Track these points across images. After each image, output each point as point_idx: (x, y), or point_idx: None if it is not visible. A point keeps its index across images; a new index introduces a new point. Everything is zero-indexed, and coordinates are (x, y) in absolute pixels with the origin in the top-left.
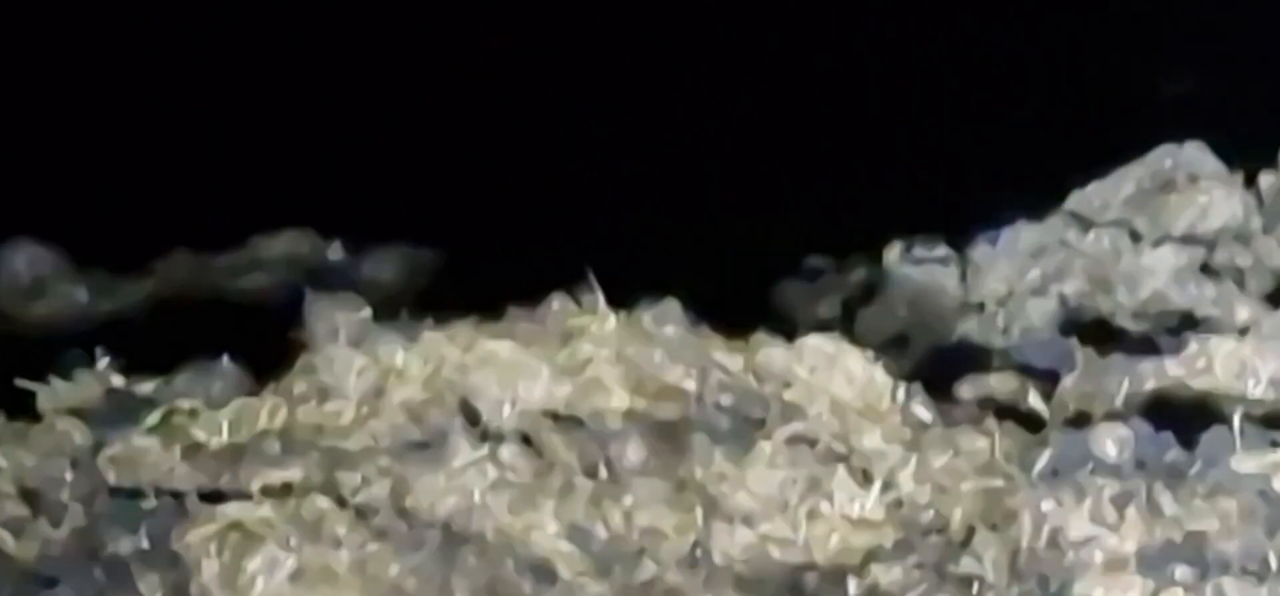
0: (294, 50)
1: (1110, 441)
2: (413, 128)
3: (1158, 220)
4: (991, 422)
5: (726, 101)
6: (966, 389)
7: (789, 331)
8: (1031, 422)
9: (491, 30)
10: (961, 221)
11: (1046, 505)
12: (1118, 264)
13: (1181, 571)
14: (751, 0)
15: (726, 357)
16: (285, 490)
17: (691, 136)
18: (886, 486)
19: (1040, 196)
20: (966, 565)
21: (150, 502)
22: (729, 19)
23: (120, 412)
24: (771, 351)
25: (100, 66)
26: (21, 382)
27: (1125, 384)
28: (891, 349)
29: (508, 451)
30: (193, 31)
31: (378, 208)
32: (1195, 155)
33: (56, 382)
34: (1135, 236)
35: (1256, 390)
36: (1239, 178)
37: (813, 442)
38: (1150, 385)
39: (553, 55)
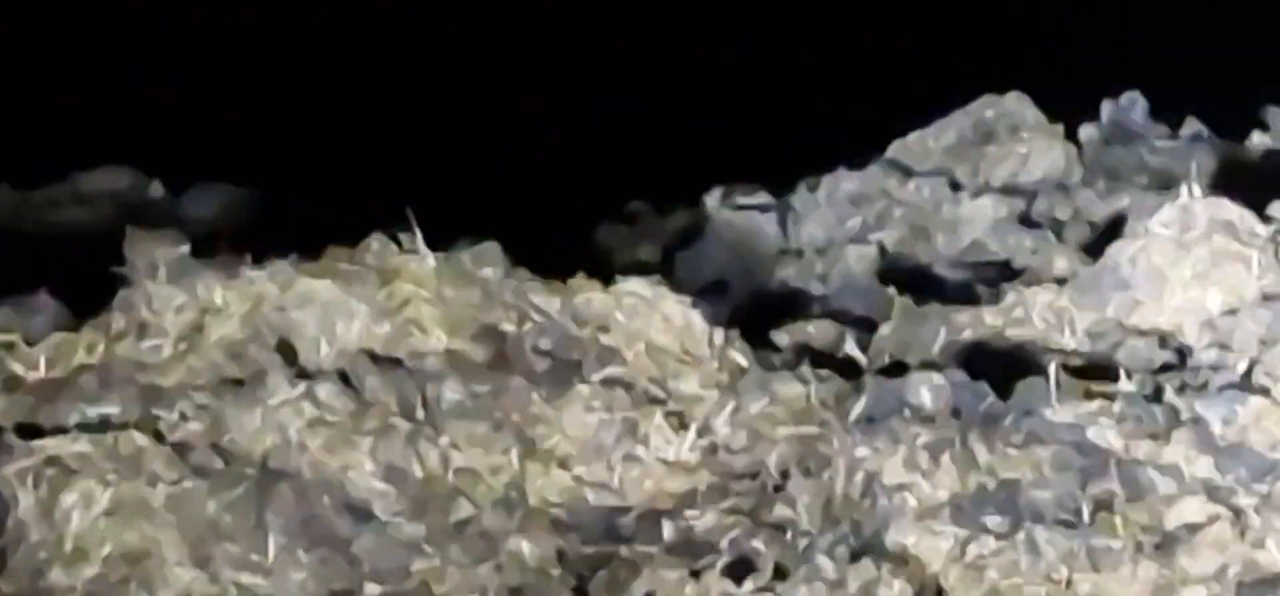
0: None
1: (926, 389)
2: (233, 65)
3: (978, 170)
4: (808, 369)
5: (547, 45)
6: (784, 335)
7: (608, 275)
8: (848, 370)
9: None
10: (782, 168)
11: (861, 452)
12: (937, 213)
13: (994, 520)
14: None
15: (545, 300)
16: (102, 425)
17: (512, 79)
18: (702, 431)
19: (861, 145)
20: (781, 511)
21: None
22: None
23: None
24: (590, 295)
25: None
26: None
27: (942, 333)
28: (710, 294)
29: (325, 390)
30: None
31: (198, 145)
32: (1016, 106)
33: None
34: (955, 186)
35: (1072, 341)
36: (1060, 129)
37: (629, 386)
38: (967, 334)
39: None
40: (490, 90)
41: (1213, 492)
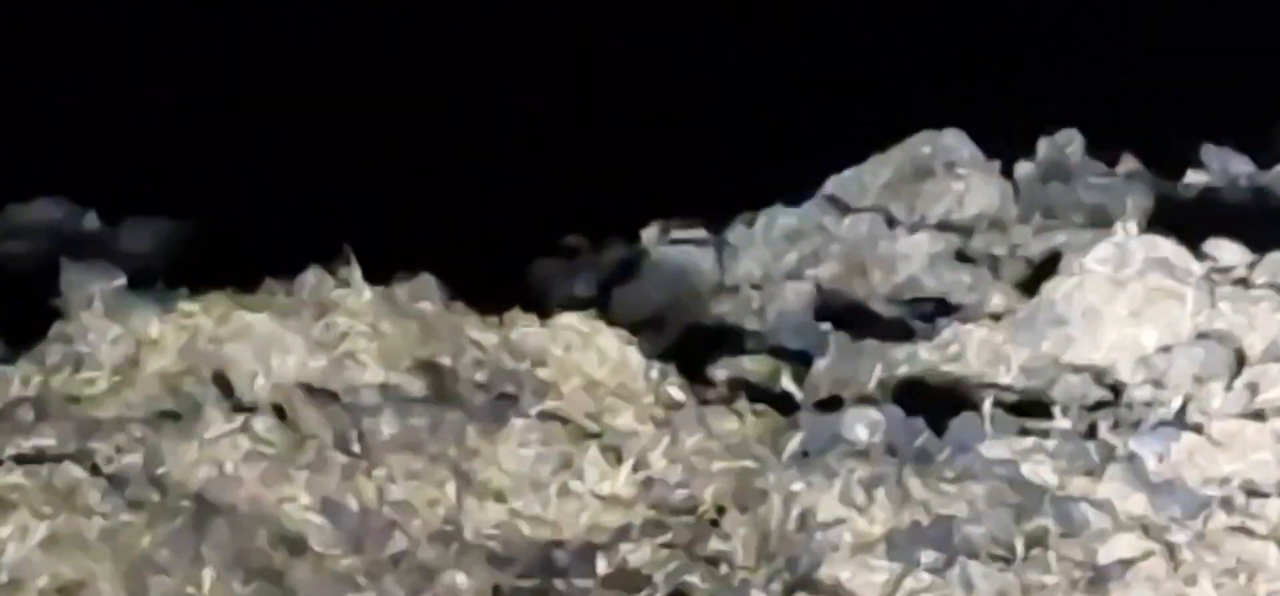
0: (52, 19)
1: (861, 425)
2: (170, 98)
3: (914, 207)
4: (744, 404)
5: (485, 79)
6: (720, 370)
7: (544, 310)
8: (784, 405)
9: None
10: (718, 204)
11: (796, 487)
12: (873, 249)
13: (928, 555)
14: None
15: (481, 334)
16: (38, 458)
17: (450, 114)
18: (638, 465)
19: (798, 181)
20: (716, 545)
21: None
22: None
23: None
24: (526, 329)
25: None
26: None
27: (878, 368)
28: (646, 329)
29: (261, 423)
30: None
31: (134, 178)
32: (953, 143)
33: None
34: (891, 222)
35: (1007, 377)
36: (996, 166)
37: (565, 420)
38: (903, 370)
39: (311, 29)
40: (426, 124)
41: (1146, 528)
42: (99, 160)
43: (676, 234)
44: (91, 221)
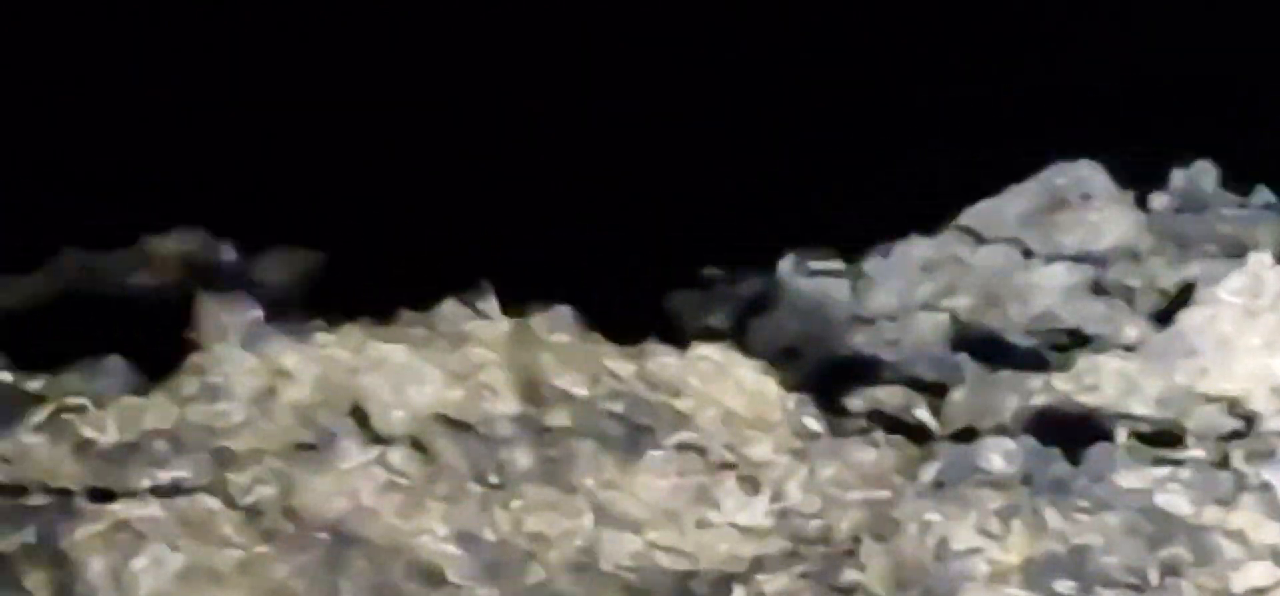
0: (186, 50)
1: (996, 455)
2: (307, 129)
3: (1049, 237)
4: (880, 434)
5: (622, 109)
6: (856, 401)
7: (681, 341)
8: (920, 435)
9: (385, 32)
10: (855, 235)
11: (932, 516)
12: (1009, 280)
13: (1064, 584)
14: (649, 10)
15: (618, 365)
16: (173, 489)
17: (586, 143)
18: (774, 496)
19: (934, 212)
20: (852, 575)
21: (38, 500)
22: (628, 27)
23: (8, 409)
24: (662, 360)
25: None
26: None
27: (1013, 399)
28: (783, 360)
29: (397, 455)
30: (84, 29)
31: (271, 209)
32: (1087, 174)
33: None
34: (1027, 253)
35: (1142, 407)
36: (1130, 197)
37: (702, 451)
38: (1038, 401)
39: (445, 58)
40: (562, 153)
41: (1279, 558)
42: (235, 191)
43: (813, 265)
44: (228, 253)
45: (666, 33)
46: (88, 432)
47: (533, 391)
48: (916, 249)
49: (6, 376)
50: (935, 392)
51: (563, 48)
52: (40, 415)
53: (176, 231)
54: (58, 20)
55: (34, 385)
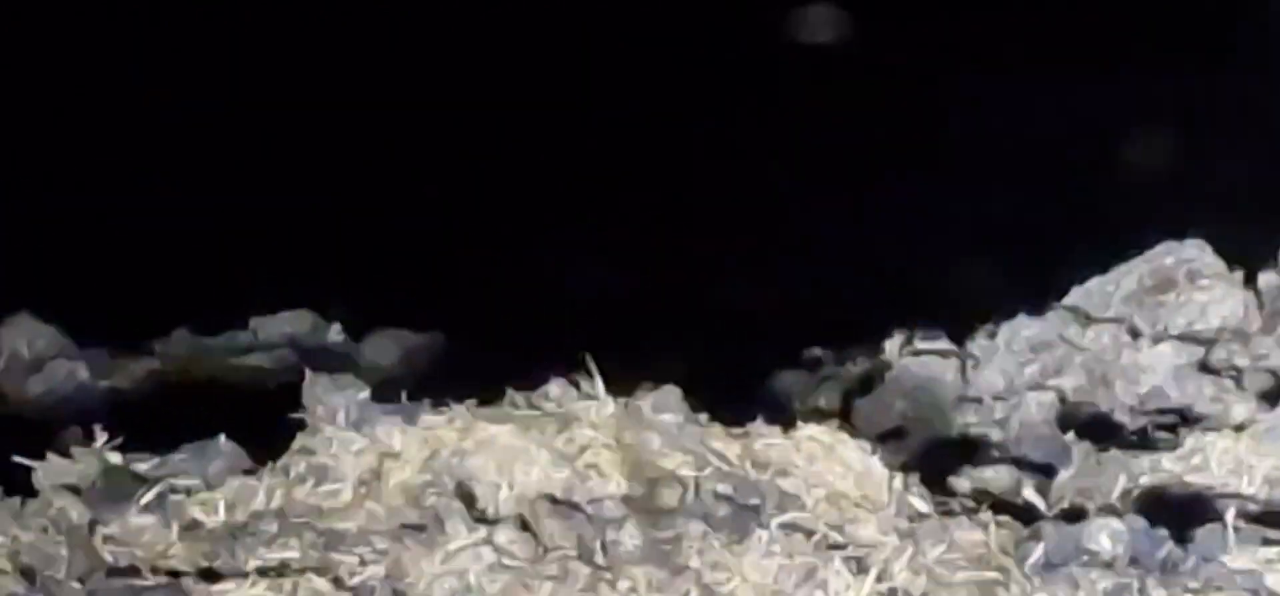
0: (297, 134)
1: (1104, 535)
2: (413, 212)
3: (1157, 317)
4: (987, 514)
5: (729, 190)
6: (963, 481)
7: (787, 421)
8: (1027, 515)
9: (491, 117)
10: (961, 315)
11: None
12: (1117, 360)
13: None
14: (753, 90)
15: (724, 445)
16: (281, 570)
17: (694, 224)
18: (881, 576)
19: (1040, 291)
20: None
21: (147, 581)
22: (733, 106)
23: (118, 490)
24: (769, 441)
25: (103, 146)
26: (19, 459)
27: (1121, 479)
28: (889, 440)
29: (504, 535)
30: (197, 115)
31: (378, 291)
32: (1195, 252)
33: (54, 459)
34: (1134, 333)
35: (1250, 487)
36: (1239, 276)
37: (809, 532)
38: (1146, 480)
39: (553, 141)
40: (670, 238)
41: None
42: (342, 274)
43: (920, 344)
44: (335, 334)
45: (774, 111)
46: (196, 513)
47: (639, 472)
48: (1024, 329)
49: (116, 458)
50: (1043, 472)
51: (669, 127)
52: (150, 496)
53: (284, 312)
54: (169, 105)
55: (143, 466)
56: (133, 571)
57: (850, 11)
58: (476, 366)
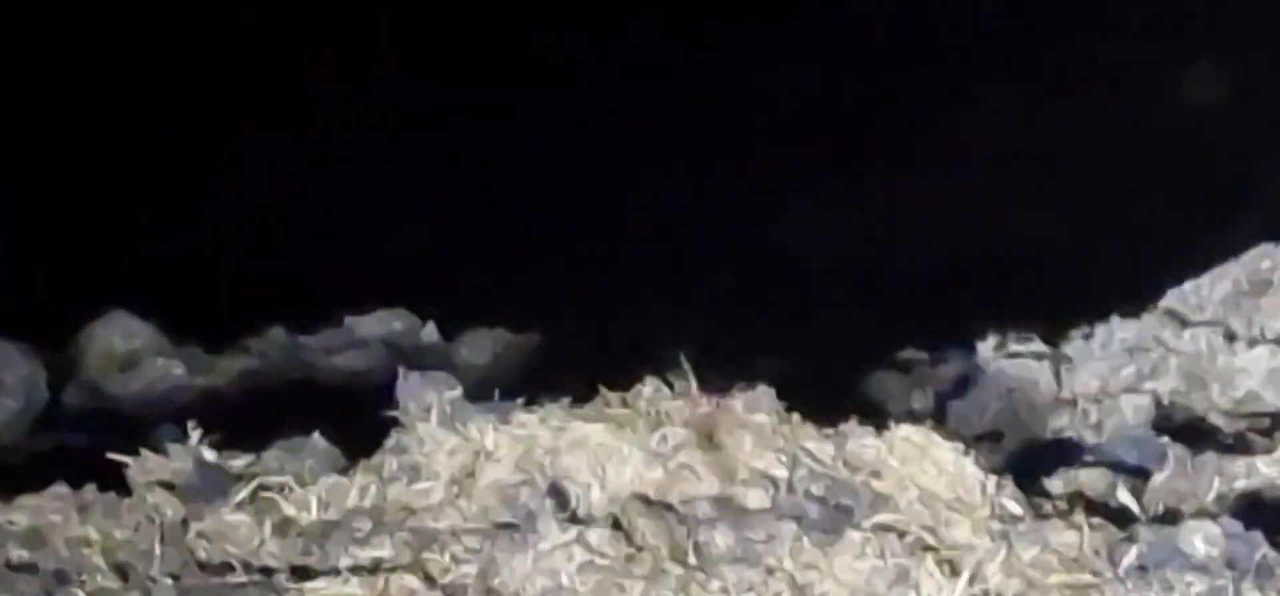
0: (395, 133)
1: (1199, 539)
2: (506, 211)
3: (1253, 320)
4: (1081, 517)
5: (826, 192)
6: (1057, 483)
7: (881, 422)
8: (1122, 518)
9: (588, 117)
10: (1057, 316)
11: None
12: (1212, 363)
13: None
14: (853, 92)
15: (817, 446)
16: (374, 567)
17: (787, 227)
18: (974, 578)
19: (1136, 294)
20: None
21: (240, 578)
22: (831, 109)
23: (211, 487)
24: (862, 441)
25: (200, 145)
26: (113, 455)
27: (1216, 482)
28: (983, 441)
29: (596, 534)
30: (294, 114)
31: (472, 289)
32: None
33: (148, 455)
34: (1230, 336)
35: None
36: None
37: (902, 533)
38: (1242, 484)
39: (650, 144)
40: (764, 238)
41: None
42: (437, 272)
43: (1014, 347)
44: (429, 333)
45: (869, 113)
46: (290, 510)
47: (732, 472)
48: (1119, 332)
49: (211, 455)
50: (1137, 476)
51: (764, 133)
52: (243, 493)
53: (379, 311)
54: (266, 104)
55: (237, 464)
56: (226, 568)
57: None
58: (570, 365)
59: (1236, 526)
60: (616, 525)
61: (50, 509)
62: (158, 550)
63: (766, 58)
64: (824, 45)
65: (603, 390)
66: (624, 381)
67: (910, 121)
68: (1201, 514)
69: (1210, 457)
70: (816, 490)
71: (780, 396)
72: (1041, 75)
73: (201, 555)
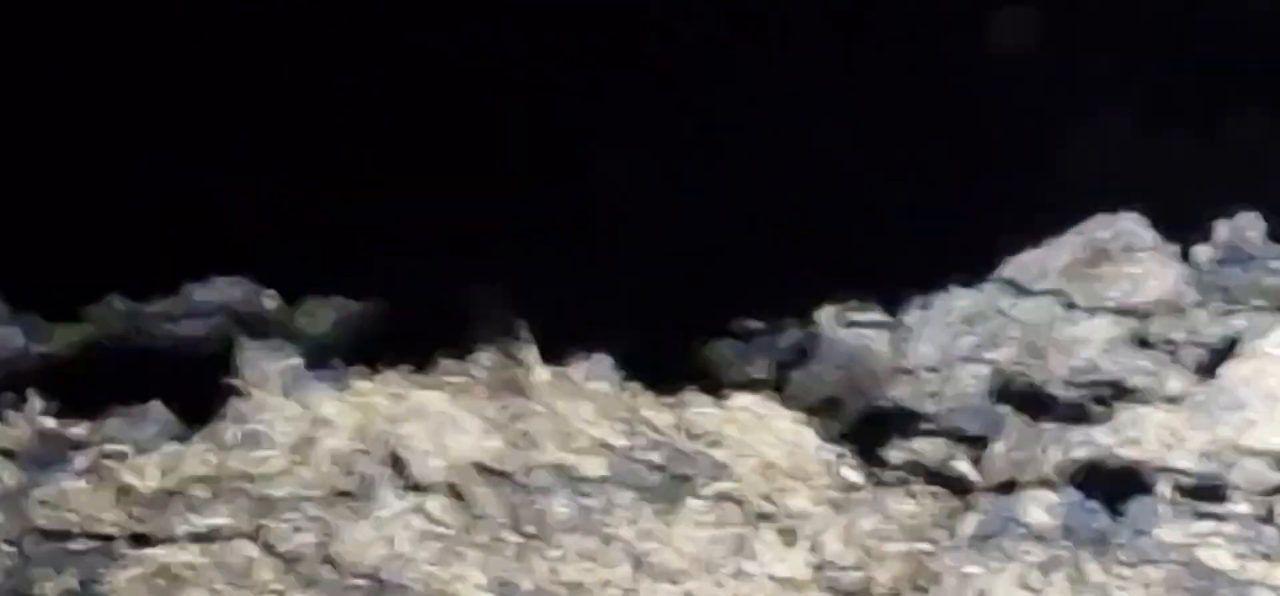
0: (231, 98)
1: (1038, 508)
2: (346, 178)
3: (1092, 290)
4: (919, 486)
5: (658, 161)
6: (896, 452)
7: (720, 391)
8: (960, 487)
9: (428, 86)
10: (895, 286)
11: (972, 569)
12: (1051, 332)
13: None
14: (686, 63)
15: (656, 415)
16: (212, 535)
17: (624, 195)
18: (812, 547)
19: (974, 264)
20: None
21: (79, 544)
22: (668, 78)
23: (51, 454)
24: (701, 410)
25: (33, 112)
26: None
27: (1055, 451)
28: (822, 411)
29: (435, 503)
30: (129, 77)
31: (312, 258)
32: (1131, 227)
33: None
34: (1070, 305)
35: (1185, 461)
36: (1175, 250)
37: (740, 502)
38: (1080, 453)
39: (485, 110)
40: (603, 207)
41: None
42: (277, 240)
43: (852, 316)
44: (270, 300)
45: (707, 83)
46: (129, 478)
47: (571, 441)
48: (958, 301)
49: (50, 422)
50: (976, 445)
51: (604, 98)
52: (82, 461)
53: (217, 278)
54: (102, 68)
55: (76, 431)
56: (65, 535)
57: None
58: (409, 334)
59: (1075, 495)
60: (455, 493)
61: None
62: None
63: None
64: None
65: (442, 359)
66: (464, 349)
67: (748, 96)
68: (1040, 483)
69: (1049, 427)
70: (655, 459)
71: (619, 364)
72: (893, 39)
73: (41, 522)
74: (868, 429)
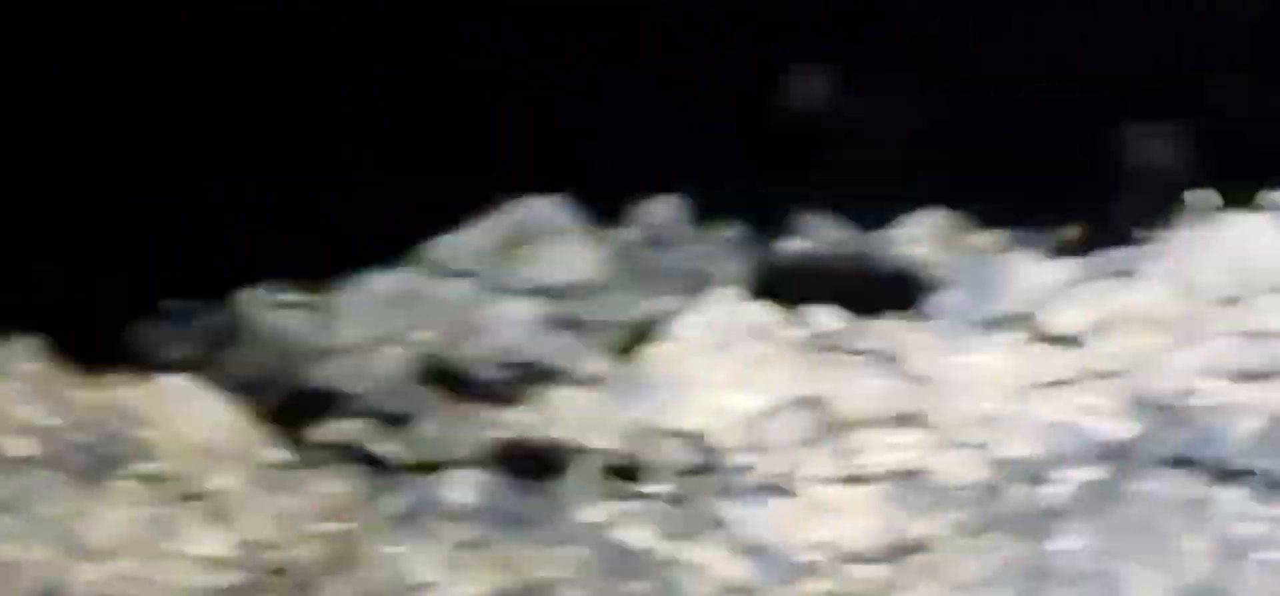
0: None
1: (459, 488)
2: None
3: (512, 272)
4: (345, 466)
5: (89, 142)
6: (320, 433)
7: (146, 371)
8: (383, 467)
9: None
10: (319, 269)
11: (395, 549)
12: (471, 314)
13: None
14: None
15: (83, 395)
16: None
17: (63, 171)
18: (236, 527)
19: (396, 246)
20: None
21: None
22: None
23: None
24: (128, 390)
25: None
26: None
27: (476, 432)
28: (247, 392)
29: None
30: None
31: None
32: (550, 210)
33: None
34: (490, 287)
35: (603, 442)
36: (594, 232)
37: (166, 481)
38: (500, 434)
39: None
40: (33, 184)
41: (744, 594)
42: None
43: (276, 297)
44: None
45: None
46: None
47: None
48: (379, 282)
49: None
50: (399, 425)
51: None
52: None
53: None
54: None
55: None
56: None
57: None
58: None
59: (495, 476)
60: None
61: None
62: None
63: None
64: None
65: None
66: None
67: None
68: (461, 463)
69: (471, 408)
70: (82, 439)
71: (47, 345)
72: None
73: None
74: (293, 409)
